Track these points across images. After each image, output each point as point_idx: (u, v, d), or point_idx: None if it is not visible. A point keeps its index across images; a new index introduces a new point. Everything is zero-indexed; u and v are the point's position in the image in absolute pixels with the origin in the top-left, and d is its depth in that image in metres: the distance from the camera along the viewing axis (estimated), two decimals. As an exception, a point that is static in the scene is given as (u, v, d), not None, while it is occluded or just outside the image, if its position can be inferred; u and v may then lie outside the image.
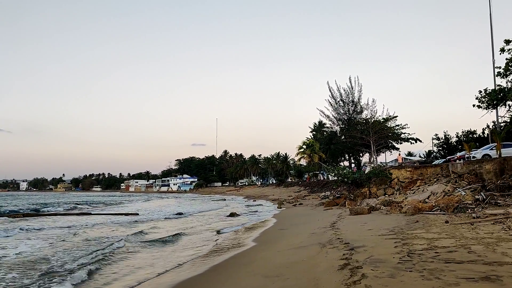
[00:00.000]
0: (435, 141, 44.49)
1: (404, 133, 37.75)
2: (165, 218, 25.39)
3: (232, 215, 26.33)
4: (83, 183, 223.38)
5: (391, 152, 42.38)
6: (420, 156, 51.24)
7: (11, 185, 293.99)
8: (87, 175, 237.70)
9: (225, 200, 57.83)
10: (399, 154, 37.87)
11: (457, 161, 25.65)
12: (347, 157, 52.27)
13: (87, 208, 39.32)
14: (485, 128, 38.02)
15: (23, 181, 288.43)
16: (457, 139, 41.08)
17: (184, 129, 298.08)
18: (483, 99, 23.35)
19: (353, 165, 53.67)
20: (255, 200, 51.18)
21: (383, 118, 37.61)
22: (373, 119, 37.90)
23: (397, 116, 36.94)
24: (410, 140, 38.20)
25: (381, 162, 42.81)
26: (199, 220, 23.24)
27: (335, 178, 33.85)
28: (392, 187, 25.73)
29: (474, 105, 23.92)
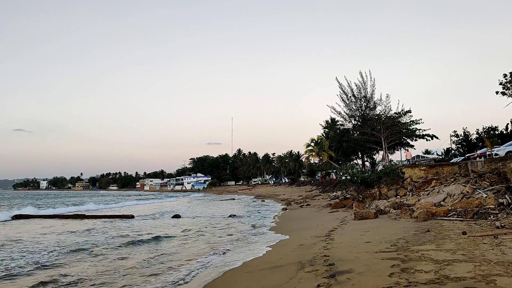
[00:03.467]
0: (454, 138, 41.71)
1: (419, 129, 35.12)
2: (158, 220, 23.90)
3: (232, 216, 24.89)
4: (100, 182, 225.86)
5: (405, 149, 39.74)
6: (437, 154, 48.35)
7: (32, 184, 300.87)
8: (104, 174, 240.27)
9: (234, 199, 56.25)
10: (408, 151, 35.23)
11: (477, 159, 23.19)
12: (360, 155, 49.75)
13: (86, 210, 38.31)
14: (509, 123, 35.09)
15: (44, 180, 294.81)
16: (477, 136, 38.18)
17: (200, 128, 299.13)
18: (508, 84, 20.71)
19: (367, 163, 51.16)
20: (264, 200, 49.32)
21: (395, 113, 35.05)
22: (385, 115, 35.40)
23: (410, 111, 34.36)
24: (426, 137, 35.53)
25: (391, 160, 40.25)
26: (193, 223, 21.54)
27: (346, 177, 31.67)
28: (404, 187, 23.45)
29: (497, 92, 21.32)
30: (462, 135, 39.93)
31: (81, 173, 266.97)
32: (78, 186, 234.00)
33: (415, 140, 36.70)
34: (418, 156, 44.86)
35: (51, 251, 11.82)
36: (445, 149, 48.86)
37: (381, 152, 41.11)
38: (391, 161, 38.72)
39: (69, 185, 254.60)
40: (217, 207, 37.58)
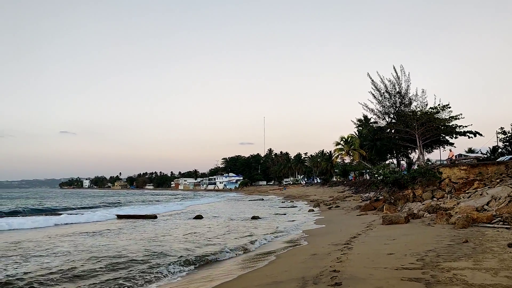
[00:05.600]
0: (501, 136, 38.28)
1: (460, 126, 32.24)
2: (179, 220, 23.31)
3: (255, 218, 23.77)
4: (137, 181, 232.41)
5: (444, 148, 36.84)
6: (482, 153, 44.76)
7: (76, 183, 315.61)
8: (141, 174, 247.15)
9: (262, 199, 55.23)
10: (450, 150, 32.38)
11: (528, 157, 20.66)
12: (395, 154, 47.01)
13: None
14: None
15: (86, 179, 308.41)
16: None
17: (233, 128, 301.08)
18: None
19: (403, 163, 48.34)
20: (293, 201, 47.88)
21: (431, 108, 32.37)
22: (420, 110, 32.80)
23: (449, 105, 31.54)
24: (468, 134, 32.58)
25: (428, 160, 37.47)
26: (213, 223, 20.63)
27: (377, 178, 29.65)
28: (441, 189, 21.31)
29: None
30: (511, 131, 36.54)
31: (120, 172, 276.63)
32: (117, 185, 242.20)
33: (455, 137, 33.81)
34: (460, 155, 41.61)
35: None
36: (491, 148, 45.18)
37: (417, 151, 38.45)
38: (427, 160, 36.10)
39: (109, 184, 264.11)
40: (245, 208, 36.67)
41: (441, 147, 37.47)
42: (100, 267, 9.18)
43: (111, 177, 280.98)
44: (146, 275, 8.39)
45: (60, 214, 27.89)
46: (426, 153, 37.99)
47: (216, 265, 9.72)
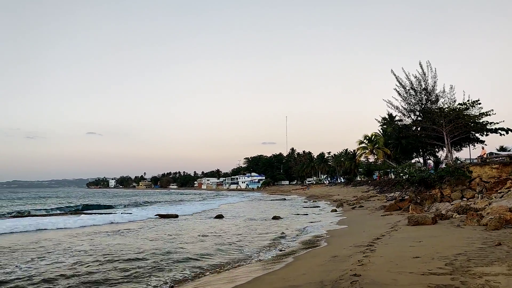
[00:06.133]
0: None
1: (491, 122, 30.70)
2: (200, 220, 23.38)
3: (276, 218, 23.46)
4: (161, 181, 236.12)
5: (474, 146, 35.22)
6: (514, 151, 42.64)
7: (102, 183, 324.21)
8: (165, 174, 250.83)
9: (284, 199, 54.78)
10: (483, 148, 30.83)
11: None
12: (422, 153, 45.43)
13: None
14: None
15: (112, 179, 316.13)
16: None
17: (255, 128, 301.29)
18: None
19: (430, 162, 46.72)
20: (315, 201, 47.22)
21: (459, 104, 30.98)
22: (448, 107, 31.46)
23: (479, 101, 30.06)
24: (499, 131, 30.99)
25: (457, 158, 35.93)
26: (234, 223, 20.49)
27: (402, 177, 28.68)
28: (471, 188, 20.36)
29: None
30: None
31: (144, 172, 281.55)
32: (141, 185, 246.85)
33: (486, 135, 32.24)
34: (491, 153, 39.73)
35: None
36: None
37: (445, 149, 36.98)
38: (456, 159, 34.67)
39: (134, 184, 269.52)
40: (266, 208, 36.41)
41: (470, 145, 35.90)
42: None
43: (136, 177, 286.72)
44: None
45: (116, 212, 29.49)
46: (455, 152, 36.49)
47: (231, 266, 9.49)
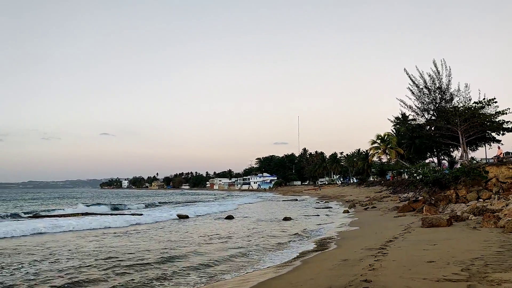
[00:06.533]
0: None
1: (507, 121, 29.88)
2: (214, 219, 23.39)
3: (286, 219, 23.23)
4: (173, 182, 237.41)
5: (490, 145, 34.34)
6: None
7: (115, 183, 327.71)
8: (177, 174, 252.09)
9: (296, 200, 54.40)
10: (499, 147, 30.02)
11: None
12: (436, 153, 44.57)
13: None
14: None
15: (125, 180, 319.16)
16: None
17: (267, 128, 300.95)
18: None
19: (445, 162, 45.81)
20: (327, 202, 46.72)
21: (475, 102, 30.21)
22: (463, 106, 30.72)
23: (495, 99, 29.25)
24: (516, 130, 30.17)
25: (472, 158, 35.03)
26: (243, 224, 20.33)
27: (416, 177, 28.08)
28: (488, 189, 19.76)
29: None
30: None
31: (157, 173, 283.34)
32: (154, 186, 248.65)
33: (503, 134, 31.41)
34: (507, 153, 38.68)
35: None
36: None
37: (460, 149, 36.16)
38: (472, 158, 33.83)
39: (146, 185, 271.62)
40: (277, 208, 36.18)
41: (486, 144, 35.04)
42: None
43: (148, 177, 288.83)
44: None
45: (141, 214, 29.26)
46: (470, 151, 35.68)
47: (236, 271, 9.30)
